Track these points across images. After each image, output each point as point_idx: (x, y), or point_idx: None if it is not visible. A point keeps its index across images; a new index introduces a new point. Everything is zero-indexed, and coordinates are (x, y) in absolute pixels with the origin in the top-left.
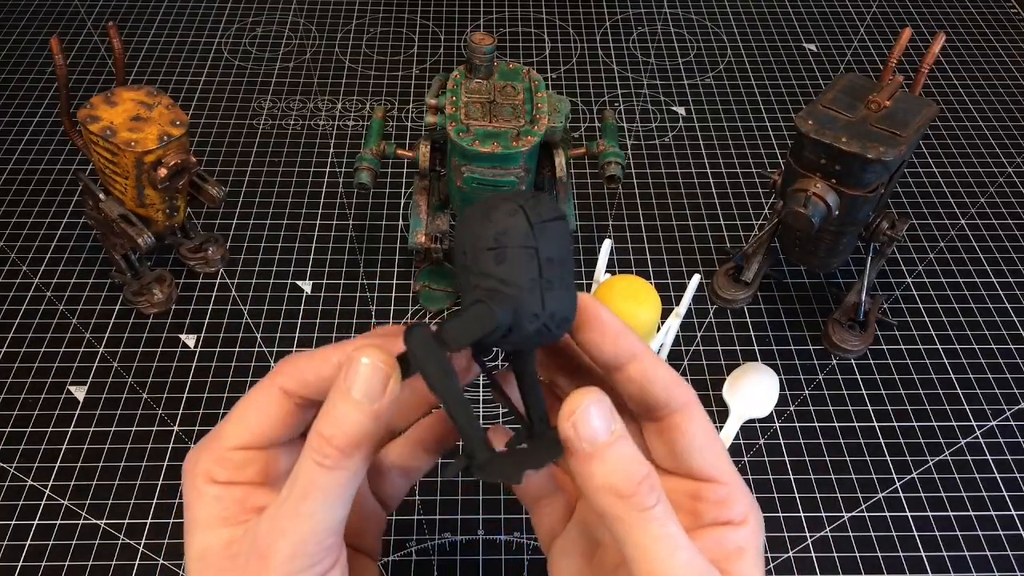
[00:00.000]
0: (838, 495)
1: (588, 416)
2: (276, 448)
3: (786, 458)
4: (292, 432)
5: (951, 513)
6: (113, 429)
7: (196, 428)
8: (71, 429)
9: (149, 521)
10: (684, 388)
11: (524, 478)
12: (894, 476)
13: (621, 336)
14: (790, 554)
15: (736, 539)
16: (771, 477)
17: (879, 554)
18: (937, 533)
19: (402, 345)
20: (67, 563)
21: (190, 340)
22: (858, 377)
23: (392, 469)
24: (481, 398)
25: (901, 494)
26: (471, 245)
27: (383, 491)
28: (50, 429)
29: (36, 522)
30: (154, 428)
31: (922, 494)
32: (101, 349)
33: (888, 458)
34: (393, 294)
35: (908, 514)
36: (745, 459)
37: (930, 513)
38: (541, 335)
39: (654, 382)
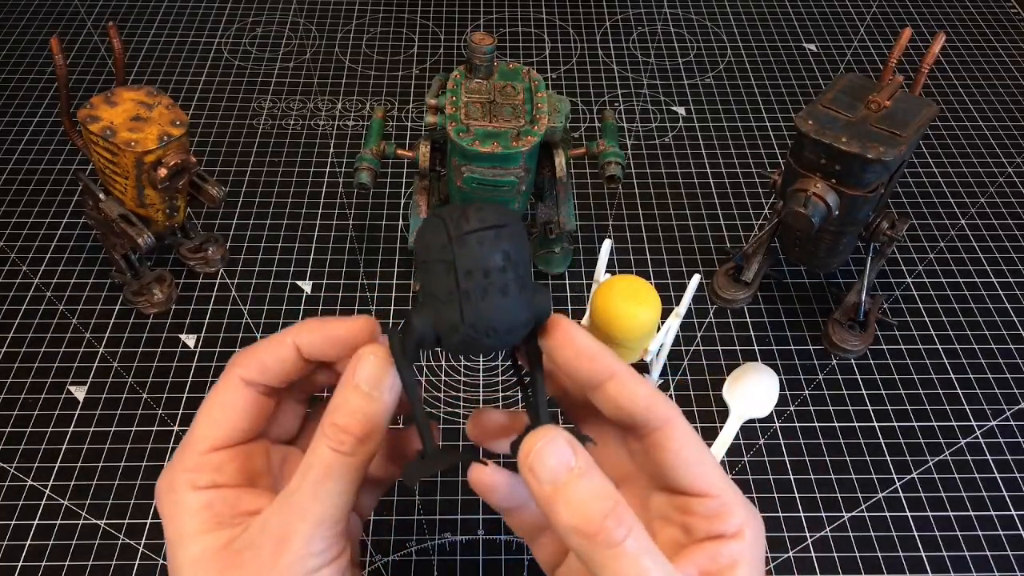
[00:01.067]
0: (838, 495)
1: (543, 457)
2: (249, 446)
3: (786, 458)
4: (259, 424)
5: (951, 513)
6: (113, 429)
7: None
8: (71, 429)
9: (149, 521)
10: (664, 405)
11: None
12: (894, 476)
13: (596, 356)
14: (790, 554)
15: (730, 552)
16: (771, 477)
17: (879, 554)
18: (937, 533)
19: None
20: (67, 563)
21: (190, 340)
22: (858, 377)
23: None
24: (481, 396)
25: (901, 494)
26: (414, 260)
27: (356, 502)
28: (50, 429)
29: (36, 522)
30: (154, 428)
31: (922, 494)
32: (101, 349)
33: (888, 458)
34: (393, 294)
35: (908, 514)
36: (745, 459)
37: (930, 513)
38: (470, 345)
39: (633, 401)
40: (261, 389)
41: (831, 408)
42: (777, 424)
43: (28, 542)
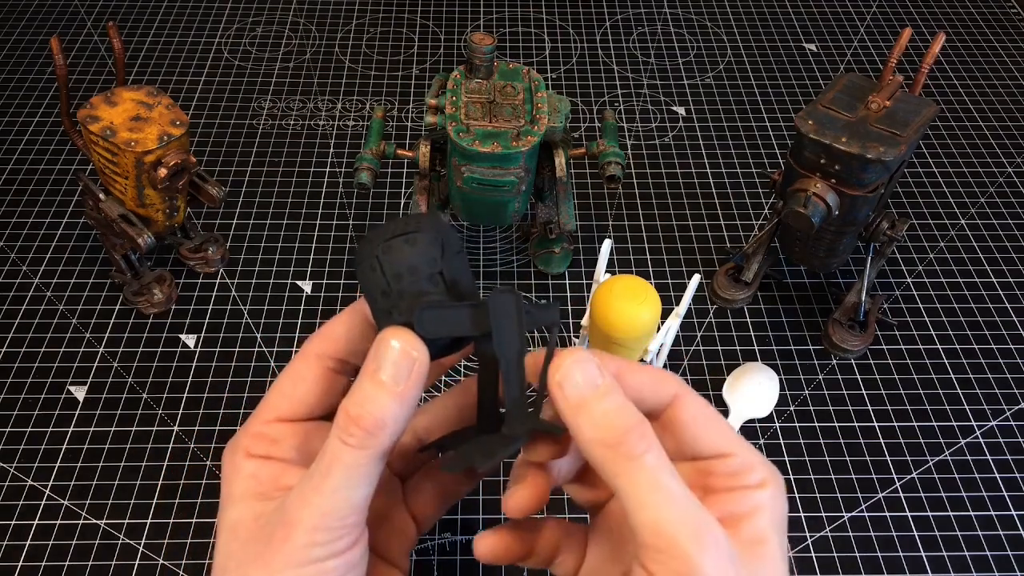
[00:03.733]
0: (838, 495)
1: (571, 374)
2: (313, 424)
3: (786, 458)
4: (328, 400)
5: (951, 513)
6: (113, 429)
7: (196, 428)
8: (71, 429)
9: (149, 521)
10: (667, 382)
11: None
12: (894, 476)
13: (603, 363)
14: (790, 554)
15: (752, 500)
16: None
17: (879, 554)
18: (937, 533)
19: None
20: (67, 563)
21: (190, 340)
22: (858, 377)
23: (430, 488)
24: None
25: (901, 494)
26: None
27: (418, 508)
28: (50, 429)
29: (36, 522)
30: (154, 428)
31: (922, 494)
32: (101, 349)
33: (888, 458)
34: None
35: (908, 514)
36: None
37: (930, 513)
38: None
39: (640, 388)
40: (332, 364)
41: (831, 408)
42: (777, 424)
43: (28, 542)
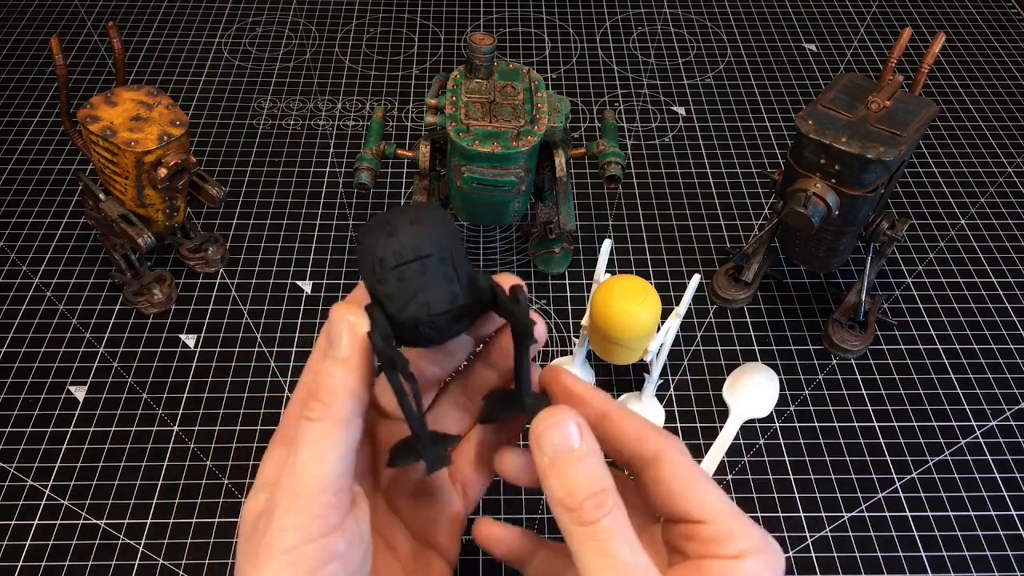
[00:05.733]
0: (838, 495)
1: (549, 434)
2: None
3: (786, 458)
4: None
5: (951, 513)
6: (113, 429)
7: (196, 428)
8: (71, 429)
9: (149, 521)
10: (655, 439)
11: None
12: (894, 476)
13: (586, 401)
14: (790, 554)
15: (725, 570)
16: (771, 477)
17: (879, 554)
18: (937, 533)
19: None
20: (67, 563)
21: (190, 340)
22: (858, 377)
23: (470, 456)
24: None
25: (901, 494)
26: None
27: (461, 476)
28: (50, 429)
29: (36, 522)
30: (154, 428)
31: (922, 494)
32: (101, 349)
33: (888, 458)
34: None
35: (908, 514)
36: (745, 459)
37: (930, 513)
38: (418, 326)
39: (624, 439)
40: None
41: (831, 408)
42: (777, 424)
43: (28, 542)
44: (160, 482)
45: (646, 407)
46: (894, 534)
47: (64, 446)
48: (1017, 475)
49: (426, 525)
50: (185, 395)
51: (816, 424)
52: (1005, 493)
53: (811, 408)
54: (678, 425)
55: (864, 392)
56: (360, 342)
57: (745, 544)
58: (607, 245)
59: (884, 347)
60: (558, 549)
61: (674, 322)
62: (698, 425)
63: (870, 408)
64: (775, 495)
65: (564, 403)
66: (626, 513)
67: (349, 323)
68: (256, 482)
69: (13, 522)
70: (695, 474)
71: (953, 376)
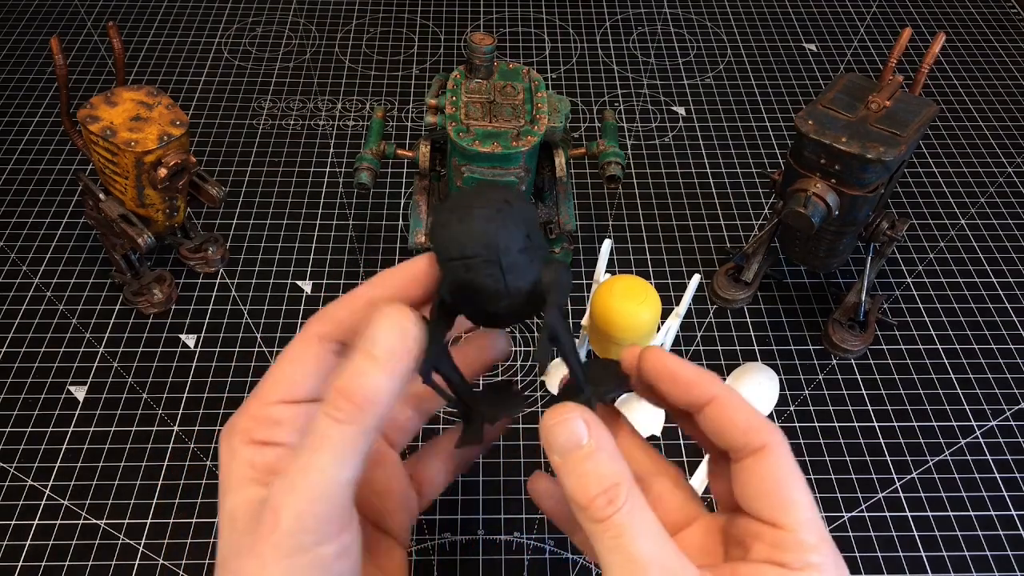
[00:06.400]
0: (838, 495)
1: (555, 432)
2: (315, 406)
3: None
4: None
5: (951, 513)
6: (113, 429)
7: (196, 428)
8: (71, 429)
9: (149, 521)
10: (763, 432)
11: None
12: (894, 476)
13: (693, 383)
14: None
15: None
16: None
17: (879, 554)
18: (937, 533)
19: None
20: (67, 563)
21: (190, 340)
22: (858, 377)
23: (438, 455)
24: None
25: (901, 494)
26: (531, 225)
27: (425, 476)
28: (50, 429)
29: (36, 522)
30: (154, 428)
31: (922, 494)
32: (101, 349)
33: (888, 458)
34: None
35: (908, 514)
36: None
37: (930, 513)
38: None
39: (731, 427)
40: (333, 347)
41: (831, 408)
42: (777, 424)
43: (28, 542)
44: (160, 482)
45: (645, 407)
46: (894, 534)
47: (64, 446)
48: (1017, 475)
49: (381, 516)
50: (185, 395)
51: (816, 424)
52: (1005, 493)
53: (811, 408)
54: (678, 425)
55: (864, 392)
56: (413, 351)
57: (815, 559)
58: (607, 245)
59: (884, 347)
60: None
61: (674, 322)
62: None
63: (870, 408)
64: None
65: (668, 387)
66: (645, 505)
67: (406, 330)
68: (230, 480)
69: (13, 522)
70: (792, 476)
71: (953, 376)
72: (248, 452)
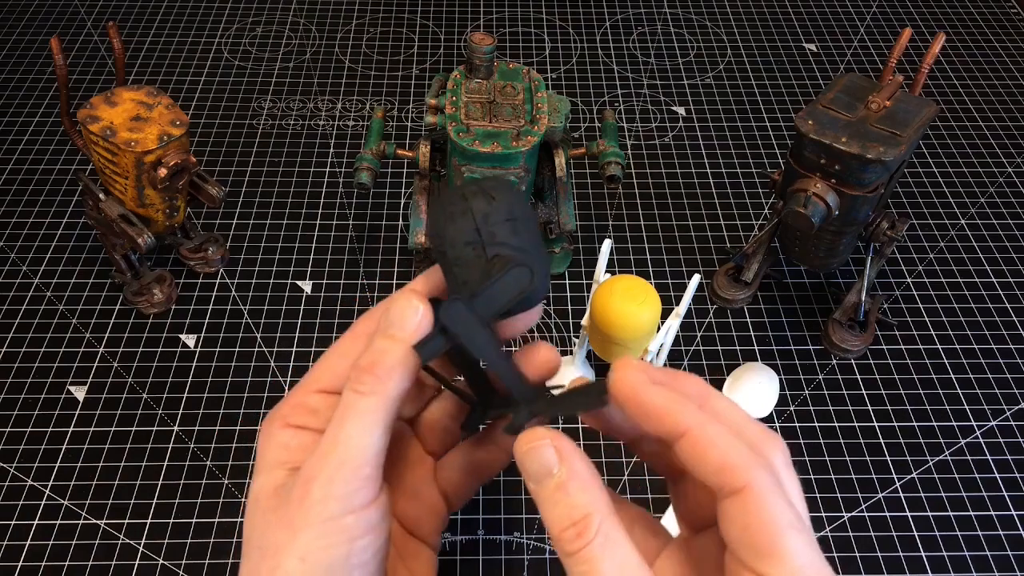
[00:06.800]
0: (838, 495)
1: (526, 460)
2: None
3: None
4: None
5: (951, 513)
6: (113, 429)
7: (196, 428)
8: (71, 429)
9: (149, 521)
10: (741, 471)
11: (606, 400)
12: (894, 476)
13: (663, 415)
14: None
15: None
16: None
17: (879, 554)
18: (937, 533)
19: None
20: (67, 563)
21: (190, 340)
22: (858, 377)
23: (462, 465)
24: None
25: (901, 494)
26: (483, 220)
27: (450, 485)
28: (50, 429)
29: (36, 522)
30: (154, 428)
31: (922, 494)
32: (101, 349)
33: (888, 458)
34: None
35: (908, 514)
36: None
37: (930, 513)
38: (544, 296)
39: (704, 466)
40: None
41: (831, 408)
42: (777, 424)
43: (28, 542)
44: (160, 482)
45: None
46: (894, 534)
47: (64, 446)
48: (1017, 475)
49: (413, 521)
50: (185, 395)
51: (816, 424)
52: (1005, 493)
53: (811, 408)
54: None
55: (864, 392)
56: (422, 325)
57: None
58: (607, 245)
59: (884, 347)
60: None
61: (674, 322)
62: None
63: (870, 408)
64: None
65: (637, 417)
66: (620, 536)
67: (415, 308)
68: (262, 462)
69: (13, 522)
70: (779, 520)
71: (953, 376)
72: (284, 436)
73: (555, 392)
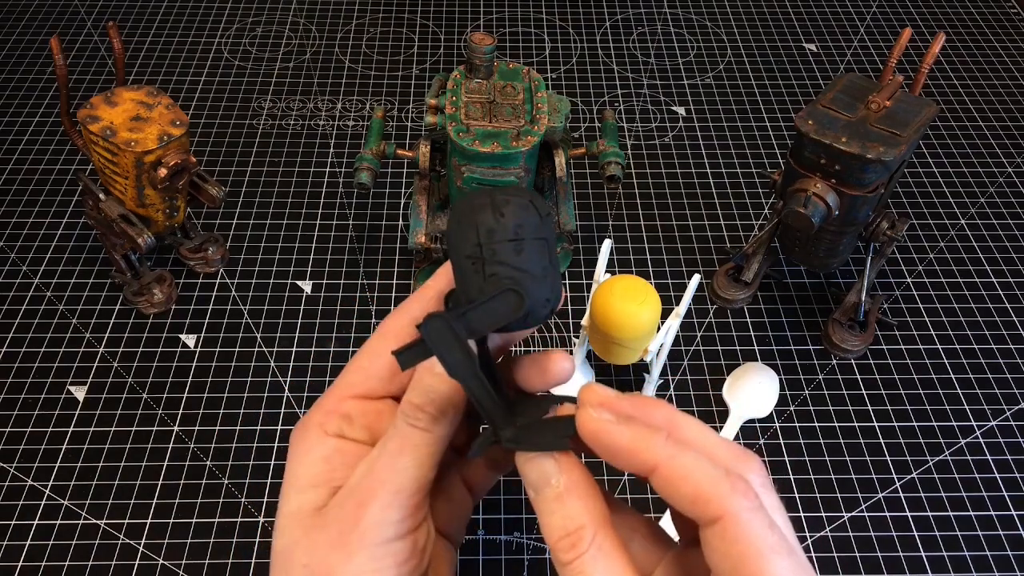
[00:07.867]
0: (838, 495)
1: (527, 469)
2: (384, 403)
3: (786, 458)
4: (401, 379)
5: (951, 513)
6: (113, 429)
7: (196, 428)
8: (71, 429)
9: (149, 521)
10: (716, 502)
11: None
12: (894, 476)
13: (631, 453)
14: None
15: None
16: (771, 477)
17: (879, 554)
18: (937, 533)
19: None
20: (67, 563)
21: (190, 340)
22: (858, 377)
23: (482, 459)
24: None
25: (901, 494)
26: (487, 236)
27: (471, 476)
28: (50, 429)
29: (36, 522)
30: (154, 428)
31: (922, 494)
32: (101, 349)
33: (888, 458)
34: (393, 294)
35: (908, 514)
36: None
37: (930, 513)
38: (545, 318)
39: (678, 498)
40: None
41: (831, 408)
42: (777, 424)
43: (28, 542)
44: (160, 482)
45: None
46: (894, 534)
47: (64, 446)
48: (1017, 475)
49: (445, 522)
50: (185, 395)
51: (816, 424)
52: (1005, 493)
53: (811, 408)
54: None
55: (864, 392)
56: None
57: None
58: (607, 245)
59: (884, 347)
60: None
61: (674, 322)
62: None
63: (870, 408)
64: None
65: (606, 456)
66: (614, 550)
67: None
68: (301, 473)
69: (13, 522)
70: (759, 549)
71: (953, 376)
72: (323, 448)
73: (537, 409)
